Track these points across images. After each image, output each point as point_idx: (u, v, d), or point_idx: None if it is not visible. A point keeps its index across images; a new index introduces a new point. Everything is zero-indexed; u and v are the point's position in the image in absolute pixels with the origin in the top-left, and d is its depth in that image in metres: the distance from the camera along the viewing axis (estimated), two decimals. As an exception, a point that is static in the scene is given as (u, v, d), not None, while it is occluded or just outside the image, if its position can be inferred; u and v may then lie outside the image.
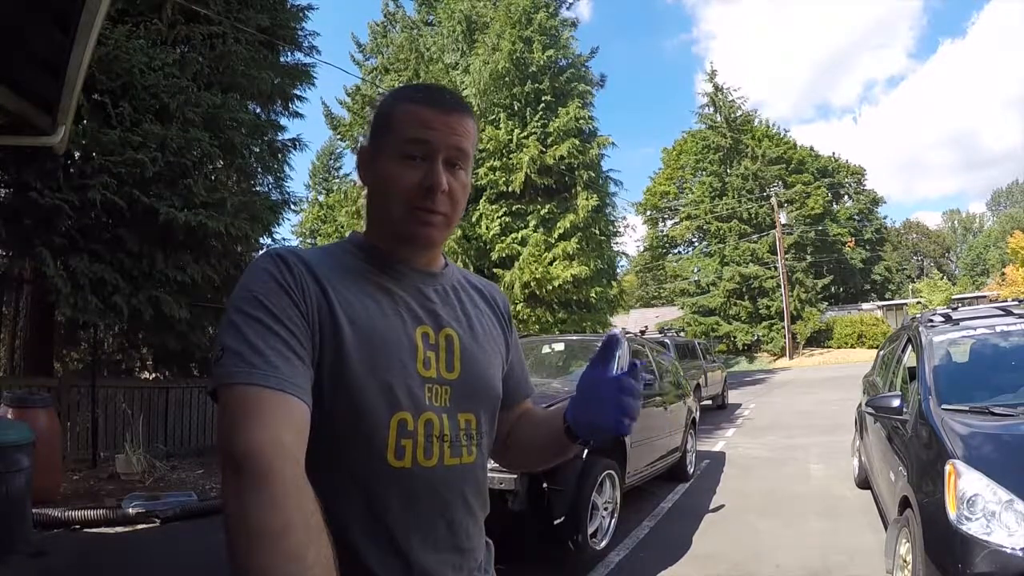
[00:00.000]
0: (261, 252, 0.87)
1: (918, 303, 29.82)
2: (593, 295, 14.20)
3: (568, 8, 16.61)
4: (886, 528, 3.39)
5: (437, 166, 0.85)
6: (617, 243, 16.60)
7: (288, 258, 0.81)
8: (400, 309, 0.87)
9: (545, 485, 3.60)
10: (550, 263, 13.68)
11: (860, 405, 5.60)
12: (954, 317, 3.97)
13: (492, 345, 0.97)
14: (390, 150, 0.86)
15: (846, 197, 40.13)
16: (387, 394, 0.81)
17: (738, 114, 32.28)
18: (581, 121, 14.59)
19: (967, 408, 2.93)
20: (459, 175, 0.88)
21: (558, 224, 13.99)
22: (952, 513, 2.28)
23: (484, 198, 14.38)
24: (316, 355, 0.78)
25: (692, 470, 6.53)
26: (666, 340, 11.63)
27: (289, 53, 9.24)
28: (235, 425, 0.68)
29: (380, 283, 0.87)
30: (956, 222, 62.29)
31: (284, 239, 16.22)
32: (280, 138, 9.12)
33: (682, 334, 25.62)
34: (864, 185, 41.08)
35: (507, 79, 14.59)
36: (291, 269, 0.80)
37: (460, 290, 0.97)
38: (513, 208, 14.31)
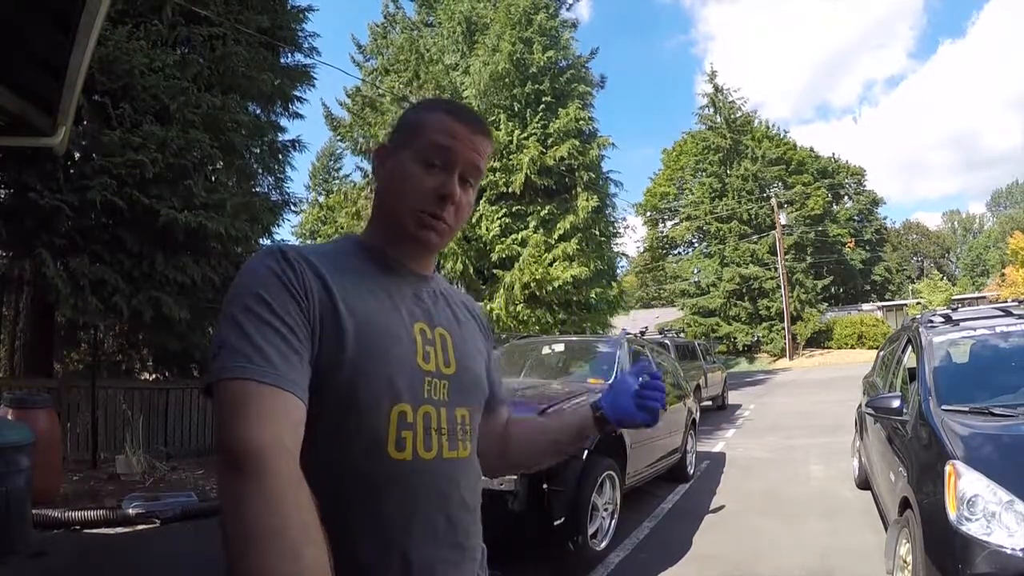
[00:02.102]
0: (261, 248, 0.88)
1: (918, 304, 29.80)
2: (593, 296, 14.20)
3: (568, 9, 16.64)
4: (886, 528, 3.39)
5: (454, 178, 0.89)
6: (617, 244, 16.65)
7: (289, 254, 0.82)
8: (398, 306, 0.88)
9: (545, 486, 3.59)
10: (550, 264, 13.68)
11: (860, 406, 5.60)
12: (954, 318, 3.97)
13: (477, 347, 1.01)
14: (413, 152, 0.90)
15: (846, 198, 40.15)
16: (388, 386, 0.82)
17: (738, 115, 32.29)
18: (581, 122, 14.59)
19: (967, 409, 2.93)
20: (468, 192, 0.93)
21: (558, 225, 13.99)
22: (952, 514, 2.28)
23: (484, 199, 14.38)
24: (317, 350, 0.79)
25: (692, 471, 6.52)
26: (666, 341, 11.64)
27: (289, 54, 9.24)
28: (232, 421, 0.69)
29: (379, 281, 0.89)
30: (956, 223, 62.28)
31: (284, 240, 16.22)
32: (280, 139, 9.14)
33: (682, 335, 25.67)
34: (864, 186, 41.13)
35: (507, 80, 14.59)
36: (292, 265, 0.80)
37: (447, 296, 1.01)
38: (513, 209, 14.31)
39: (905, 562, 2.71)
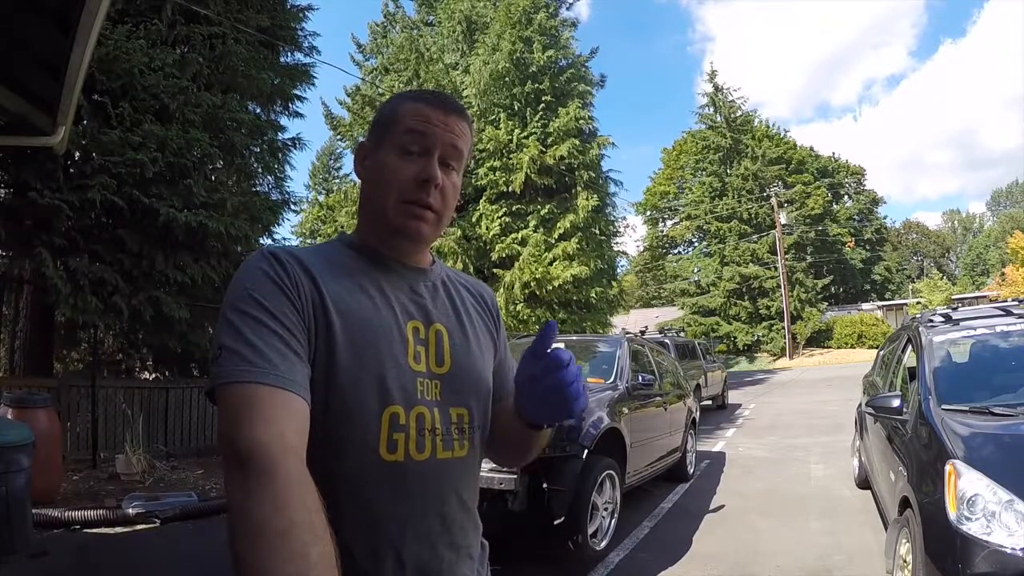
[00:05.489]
0: (255, 251, 0.87)
1: (918, 303, 29.84)
2: (593, 295, 14.20)
3: (568, 8, 16.63)
4: (886, 528, 3.39)
5: (433, 161, 0.88)
6: (617, 243, 16.65)
7: (281, 256, 0.82)
8: (391, 304, 0.87)
9: (545, 485, 3.59)
10: (550, 263, 13.68)
11: (860, 405, 5.60)
12: (954, 317, 3.96)
13: (481, 340, 0.98)
14: (390, 144, 0.89)
15: (846, 197, 40.16)
16: (379, 388, 0.82)
17: (738, 114, 32.30)
18: (581, 121, 14.59)
19: (967, 408, 2.92)
20: (452, 175, 0.90)
21: (558, 224, 13.99)
22: (952, 513, 2.28)
23: (484, 198, 14.38)
24: (311, 351, 0.79)
25: (692, 470, 6.53)
26: (666, 340, 11.63)
27: (289, 53, 9.23)
28: (238, 423, 0.69)
29: (372, 279, 0.88)
30: (956, 222, 62.28)
31: (284, 239, 16.25)
32: (280, 138, 9.12)
33: (682, 334, 25.63)
34: (864, 185, 41.16)
35: (507, 79, 14.59)
36: (285, 267, 0.81)
37: (449, 286, 0.98)
38: (513, 208, 14.31)
39: (905, 562, 2.71)
